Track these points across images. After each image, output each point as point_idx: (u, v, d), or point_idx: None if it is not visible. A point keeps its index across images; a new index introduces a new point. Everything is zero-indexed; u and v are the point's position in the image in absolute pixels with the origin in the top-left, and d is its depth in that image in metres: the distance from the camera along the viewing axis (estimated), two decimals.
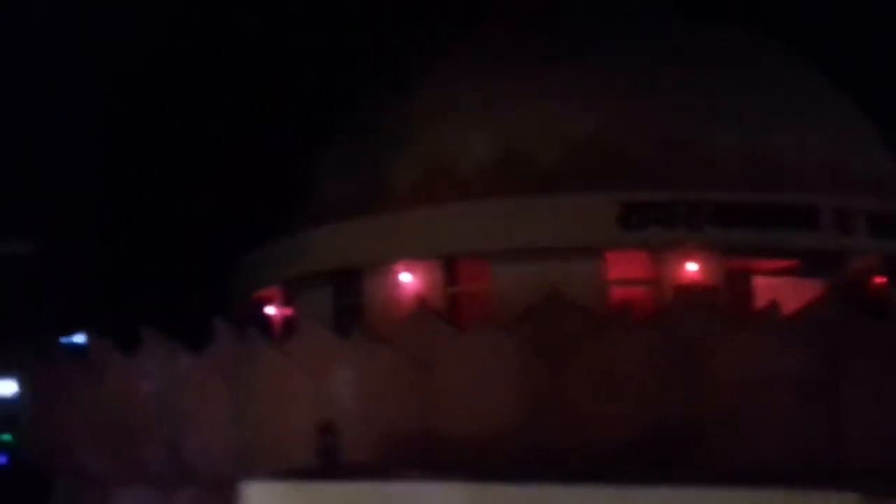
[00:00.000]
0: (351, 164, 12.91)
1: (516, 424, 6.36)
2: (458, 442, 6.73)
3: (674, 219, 10.47)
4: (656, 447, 6.12)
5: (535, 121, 11.49)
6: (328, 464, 6.01)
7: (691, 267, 10.84)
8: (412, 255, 11.59)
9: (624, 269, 11.24)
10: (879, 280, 11.91)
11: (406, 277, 11.92)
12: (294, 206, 13.95)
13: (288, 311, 15.02)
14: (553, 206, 10.83)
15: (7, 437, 24.59)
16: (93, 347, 8.68)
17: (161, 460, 8.36)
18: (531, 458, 6.20)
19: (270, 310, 15.39)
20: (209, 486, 8.07)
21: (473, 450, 6.56)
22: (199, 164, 17.40)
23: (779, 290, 10.52)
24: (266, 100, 16.74)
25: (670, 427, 6.27)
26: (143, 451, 8.39)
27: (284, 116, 16.90)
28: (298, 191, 14.16)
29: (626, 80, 11.51)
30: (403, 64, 13.98)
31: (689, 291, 9.71)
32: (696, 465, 6.43)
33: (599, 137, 11.25)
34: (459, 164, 11.60)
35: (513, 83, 11.77)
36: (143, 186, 18.05)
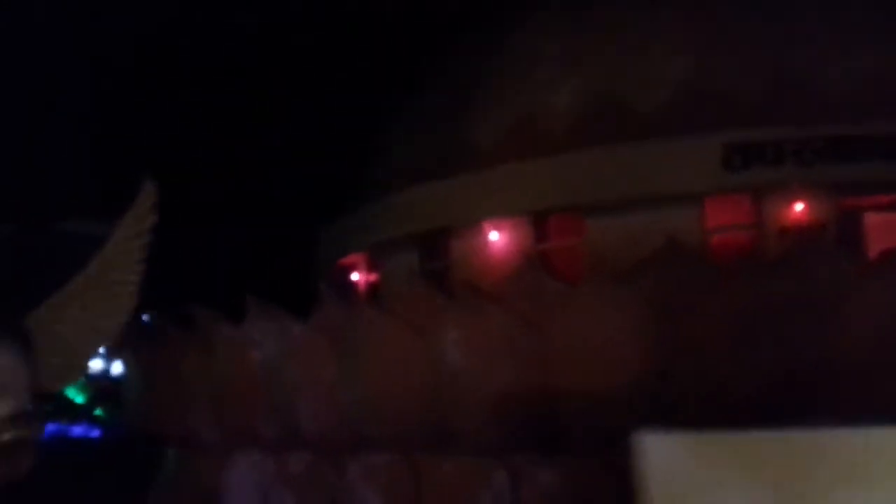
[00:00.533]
0: (432, 125, 12.70)
1: (642, 380, 6.11)
2: (578, 400, 6.55)
3: (781, 157, 9.91)
4: (791, 395, 5.80)
5: (630, 65, 11.01)
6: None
7: (798, 207, 10.30)
8: (500, 213, 11.38)
9: (725, 215, 10.77)
10: None
11: (494, 236, 11.73)
12: (376, 171, 13.87)
13: (373, 278, 15.07)
14: (650, 153, 10.39)
15: (99, 411, 25.73)
16: (200, 319, 8.80)
17: (273, 427, 8.46)
18: (660, 415, 5.96)
19: (355, 276, 15.47)
20: (321, 451, 8.14)
21: (596, 408, 6.37)
22: (283, 133, 17.44)
23: (892, 226, 9.92)
24: (344, 62, 16.49)
25: (805, 374, 5.93)
26: (256, 418, 8.50)
27: (364, 80, 16.68)
28: (380, 155, 14.06)
29: (725, 16, 10.88)
30: (484, 18, 13.57)
31: (804, 234, 9.18)
32: (830, 412, 6.10)
33: (698, 78, 10.68)
34: (549, 116, 11.24)
35: (604, 27, 11.29)
36: (231, 157, 18.19)
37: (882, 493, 2.89)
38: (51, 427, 23.25)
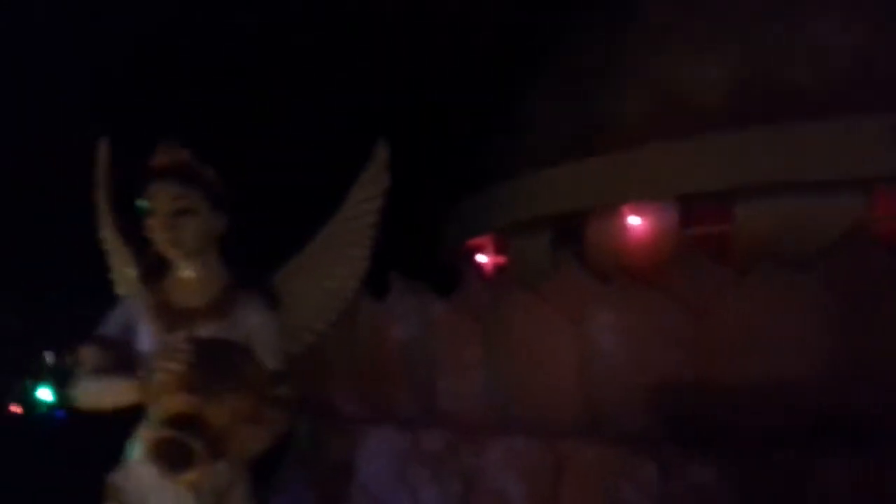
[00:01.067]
0: (566, 104, 12.32)
1: (818, 376, 5.63)
2: (743, 394, 6.13)
3: None
4: None
5: (785, 40, 10.23)
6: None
7: None
8: (643, 196, 10.91)
9: (893, 204, 9.87)
10: None
11: (635, 220, 11.27)
12: (507, 150, 13.64)
13: (500, 260, 14.90)
14: (809, 134, 9.60)
15: None
16: None
17: (412, 404, 8.46)
18: (836, 417, 5.49)
19: (482, 258, 15.35)
20: (459, 430, 8.07)
21: (762, 403, 5.95)
22: (414, 112, 17.43)
23: None
24: (475, 40, 16.26)
25: None
26: (394, 394, 8.52)
27: (495, 54, 16.34)
28: (511, 134, 13.80)
29: None
30: None
31: None
32: None
33: (869, 54, 9.80)
34: (695, 94, 10.63)
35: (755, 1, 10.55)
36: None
37: None
38: None
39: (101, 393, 3.10)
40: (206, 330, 3.18)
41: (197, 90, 18.38)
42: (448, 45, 16.96)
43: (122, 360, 3.17)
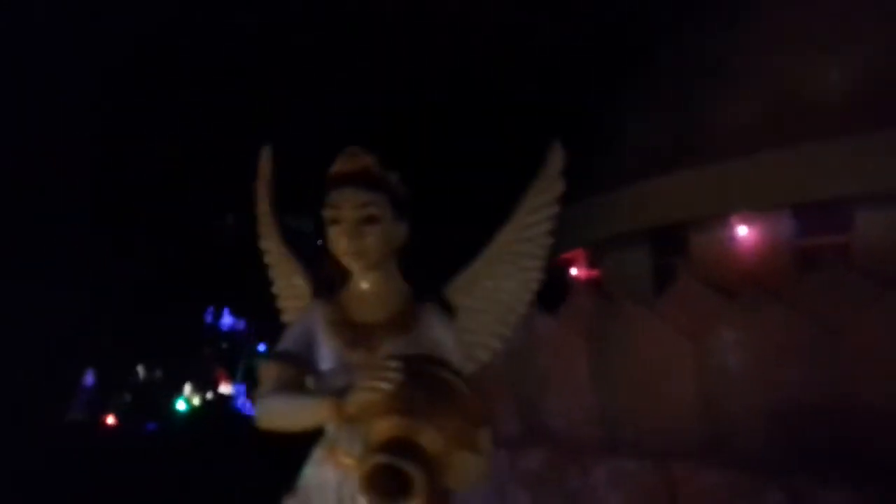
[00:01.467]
0: (666, 110, 11.87)
1: None
2: (883, 417, 5.65)
3: None
4: None
5: None
6: None
7: None
8: (752, 206, 10.36)
9: None
10: None
11: (743, 231, 10.73)
12: (602, 160, 13.25)
13: (593, 273, 14.50)
14: None
15: None
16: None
17: (514, 420, 8.23)
18: None
19: (574, 272, 14.99)
20: (563, 448, 7.78)
21: None
22: (499, 120, 17.14)
23: None
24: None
25: None
26: (496, 409, 8.31)
27: (589, 61, 15.90)
28: (607, 143, 13.41)
29: None
30: None
31: None
32: None
33: None
34: (813, 96, 10.05)
35: None
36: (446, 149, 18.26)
37: None
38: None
39: (289, 413, 2.88)
40: (390, 346, 2.99)
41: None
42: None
43: (304, 378, 3.01)
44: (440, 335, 3.14)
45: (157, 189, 20.37)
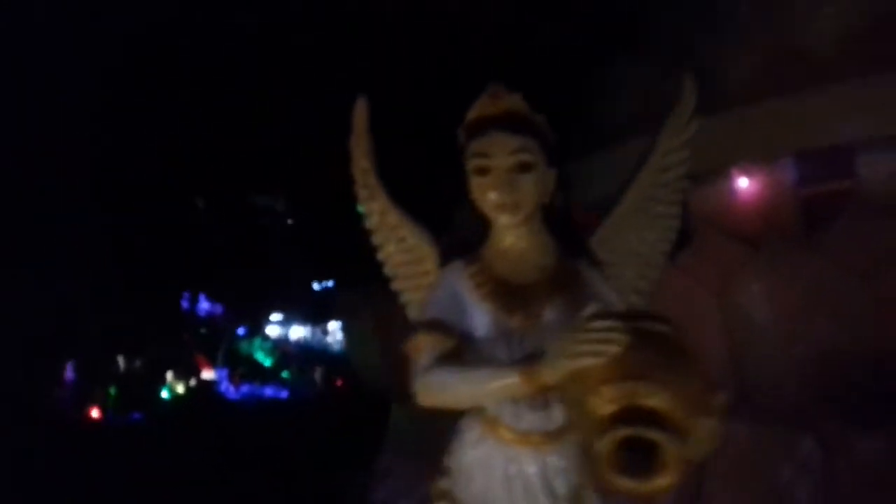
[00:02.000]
0: (664, 62, 11.69)
1: None
2: None
3: None
4: None
5: None
6: None
7: None
8: (754, 157, 10.26)
9: None
10: None
11: (743, 183, 10.64)
12: (600, 117, 13.07)
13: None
14: None
15: (286, 374, 27.33)
16: None
17: None
18: None
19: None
20: None
21: None
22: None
23: None
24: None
25: None
26: None
27: (581, 17, 15.60)
28: (604, 100, 13.21)
29: None
30: None
31: None
32: None
33: None
34: (811, 44, 9.94)
35: None
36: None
37: None
38: (245, 388, 25.10)
39: (465, 388, 2.53)
40: (553, 308, 2.66)
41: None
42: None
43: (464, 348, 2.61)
44: (603, 292, 2.80)
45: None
